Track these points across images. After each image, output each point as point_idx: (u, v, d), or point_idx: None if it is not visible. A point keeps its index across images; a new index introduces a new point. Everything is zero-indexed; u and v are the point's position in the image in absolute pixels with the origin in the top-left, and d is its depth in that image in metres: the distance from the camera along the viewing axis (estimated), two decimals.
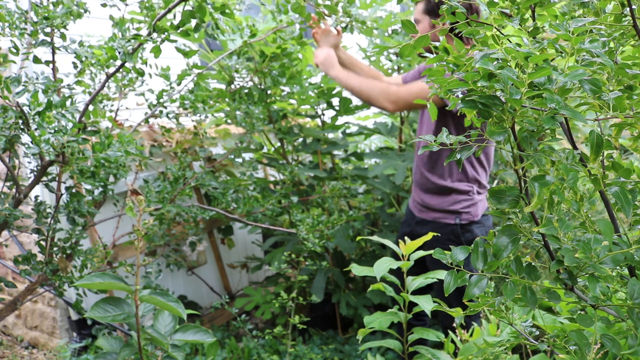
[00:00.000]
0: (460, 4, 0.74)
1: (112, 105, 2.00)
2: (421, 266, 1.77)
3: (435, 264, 1.89)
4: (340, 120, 2.71)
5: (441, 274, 1.40)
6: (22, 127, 1.40)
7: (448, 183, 1.92)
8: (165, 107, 1.96)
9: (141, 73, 1.74)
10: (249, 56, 2.24)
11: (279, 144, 2.61)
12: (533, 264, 0.82)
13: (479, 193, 1.95)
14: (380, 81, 1.88)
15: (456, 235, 1.92)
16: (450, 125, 1.83)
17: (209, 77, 2.29)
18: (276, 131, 2.51)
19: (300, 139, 2.62)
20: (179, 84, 1.93)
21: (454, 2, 0.76)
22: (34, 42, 1.49)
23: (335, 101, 2.75)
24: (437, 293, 1.99)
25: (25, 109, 1.38)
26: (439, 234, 1.91)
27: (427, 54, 0.79)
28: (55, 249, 1.67)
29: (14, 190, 1.55)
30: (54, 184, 1.62)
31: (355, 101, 2.58)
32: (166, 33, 1.55)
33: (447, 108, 0.84)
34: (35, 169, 1.58)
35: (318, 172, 2.53)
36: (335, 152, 2.82)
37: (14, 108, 1.35)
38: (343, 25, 2.00)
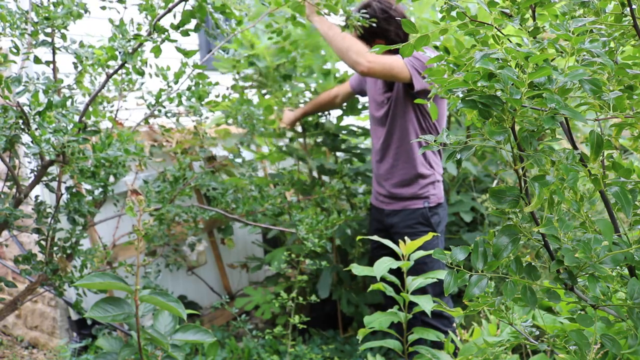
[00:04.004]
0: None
1: (112, 106, 2.00)
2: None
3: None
4: (345, 121, 2.72)
5: (441, 274, 1.40)
6: (22, 127, 1.40)
7: (416, 169, 2.03)
8: (164, 107, 1.96)
9: (141, 73, 1.74)
10: (253, 60, 2.27)
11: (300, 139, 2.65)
12: (533, 264, 0.82)
13: (437, 180, 2.09)
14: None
15: (425, 218, 2.04)
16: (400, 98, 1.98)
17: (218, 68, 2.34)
18: (302, 123, 2.56)
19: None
20: (176, 82, 1.93)
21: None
22: (34, 42, 1.49)
23: None
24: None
25: (26, 108, 1.38)
26: (410, 219, 1.99)
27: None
28: (55, 248, 1.67)
29: (14, 190, 1.55)
30: (54, 184, 1.62)
31: (363, 101, 2.58)
32: (166, 33, 1.55)
33: (452, 109, 0.84)
34: (35, 168, 1.58)
35: (332, 165, 2.60)
36: (337, 154, 2.83)
37: (15, 108, 1.35)
38: (342, 24, 2.00)
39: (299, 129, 2.63)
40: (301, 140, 2.66)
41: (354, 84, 2.34)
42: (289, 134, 2.67)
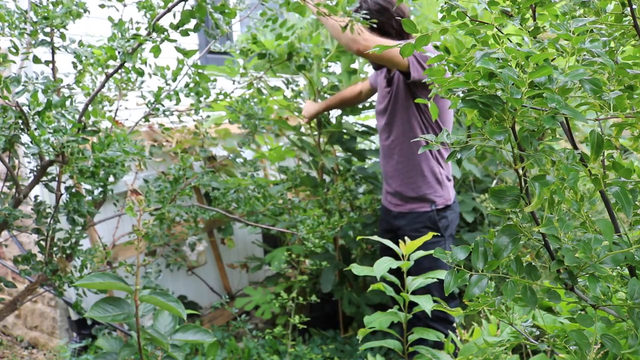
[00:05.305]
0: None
1: (111, 105, 1.99)
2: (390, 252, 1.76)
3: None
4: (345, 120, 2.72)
5: (441, 274, 1.40)
6: (21, 127, 1.39)
7: (421, 165, 2.00)
8: (163, 105, 1.96)
9: (141, 73, 1.74)
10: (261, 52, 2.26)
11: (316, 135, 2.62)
12: (533, 263, 0.82)
13: (446, 177, 2.05)
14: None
15: (432, 222, 2.01)
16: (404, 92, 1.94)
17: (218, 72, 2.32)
18: (319, 119, 2.51)
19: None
20: (174, 80, 1.93)
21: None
22: (33, 42, 1.49)
23: None
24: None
25: (25, 108, 1.37)
26: (416, 223, 1.97)
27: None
28: (55, 249, 1.66)
29: (13, 190, 1.55)
30: (53, 184, 1.62)
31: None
32: (166, 33, 1.55)
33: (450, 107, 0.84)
34: (34, 169, 1.57)
35: (343, 163, 2.58)
36: (338, 154, 2.83)
37: (14, 108, 1.35)
38: (343, 24, 1.99)
39: (314, 123, 2.55)
40: (307, 135, 2.62)
41: (372, 81, 2.29)
42: (289, 133, 2.66)
